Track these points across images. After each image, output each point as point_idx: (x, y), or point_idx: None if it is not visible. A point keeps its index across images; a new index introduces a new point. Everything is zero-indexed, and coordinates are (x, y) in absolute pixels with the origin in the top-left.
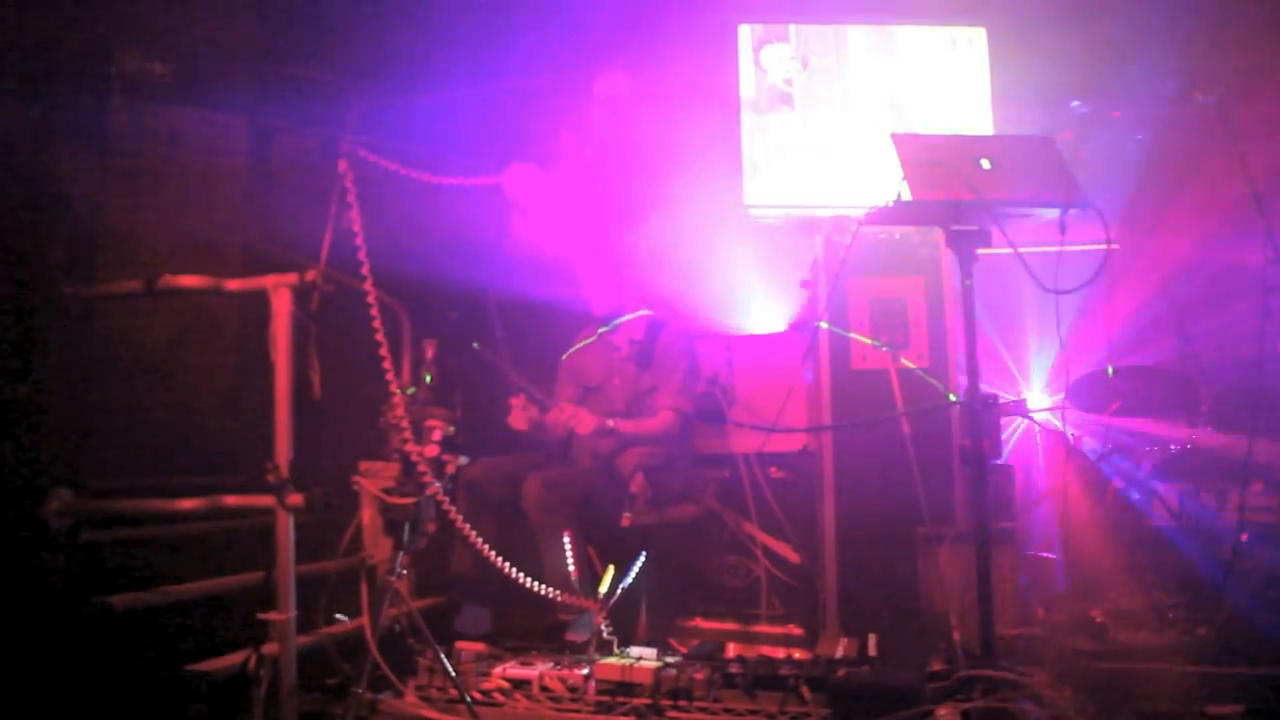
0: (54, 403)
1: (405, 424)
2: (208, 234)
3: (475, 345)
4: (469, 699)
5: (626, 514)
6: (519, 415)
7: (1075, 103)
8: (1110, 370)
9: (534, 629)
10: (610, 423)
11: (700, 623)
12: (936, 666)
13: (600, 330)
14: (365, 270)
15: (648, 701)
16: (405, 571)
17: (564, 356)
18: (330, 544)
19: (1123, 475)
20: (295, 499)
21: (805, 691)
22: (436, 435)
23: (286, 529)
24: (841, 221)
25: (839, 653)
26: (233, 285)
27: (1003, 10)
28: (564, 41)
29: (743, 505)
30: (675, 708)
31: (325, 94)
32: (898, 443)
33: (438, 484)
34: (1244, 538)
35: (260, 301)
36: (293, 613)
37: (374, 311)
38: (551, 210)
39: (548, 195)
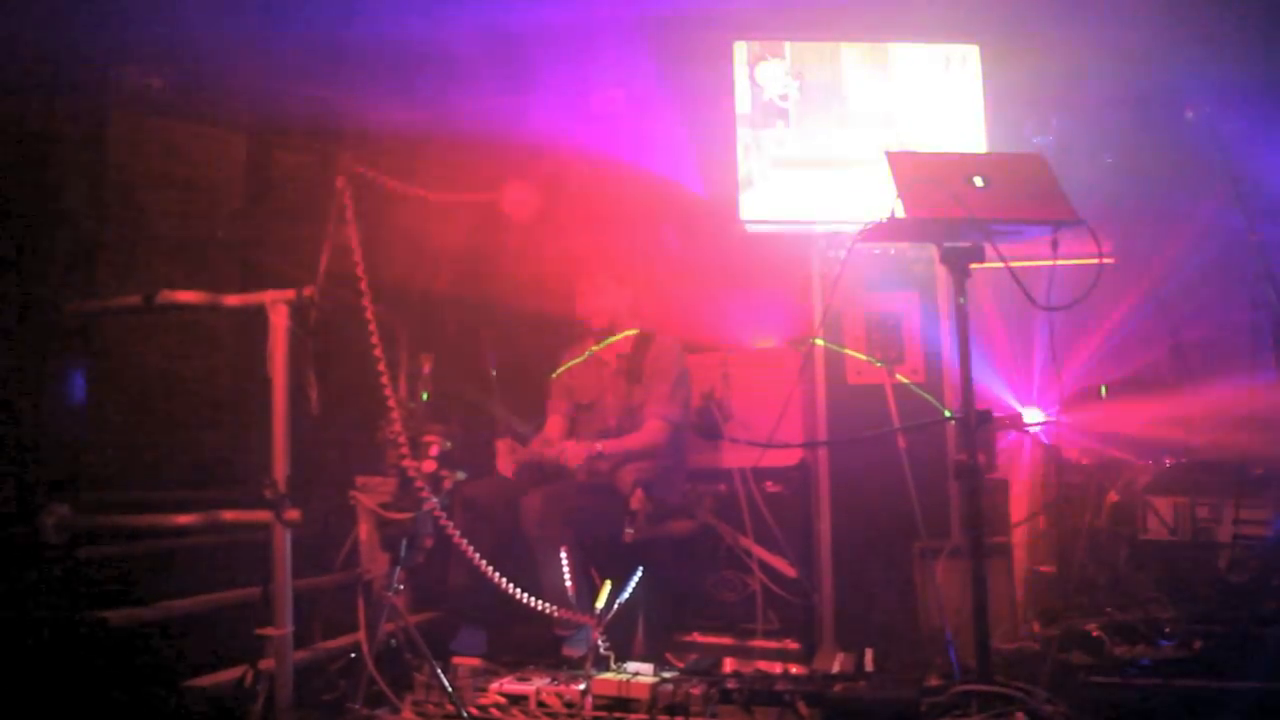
0: (51, 417)
1: (403, 439)
2: (206, 249)
3: (493, 373)
4: (465, 714)
5: (628, 530)
6: (506, 460)
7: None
8: (1104, 391)
9: (531, 644)
10: (598, 446)
11: (697, 638)
12: (933, 681)
13: (592, 349)
14: (363, 286)
15: (645, 717)
16: (402, 587)
17: (554, 375)
18: (327, 559)
19: (1118, 488)
20: (292, 514)
21: (802, 707)
22: (434, 450)
23: (283, 544)
24: (837, 237)
25: (835, 667)
26: (231, 301)
27: (996, 28)
28: (560, 58)
29: (739, 520)
30: None
31: (323, 109)
32: (893, 457)
33: (435, 499)
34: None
35: (258, 317)
36: (290, 628)
37: (372, 327)
38: (548, 227)
39: (544, 212)
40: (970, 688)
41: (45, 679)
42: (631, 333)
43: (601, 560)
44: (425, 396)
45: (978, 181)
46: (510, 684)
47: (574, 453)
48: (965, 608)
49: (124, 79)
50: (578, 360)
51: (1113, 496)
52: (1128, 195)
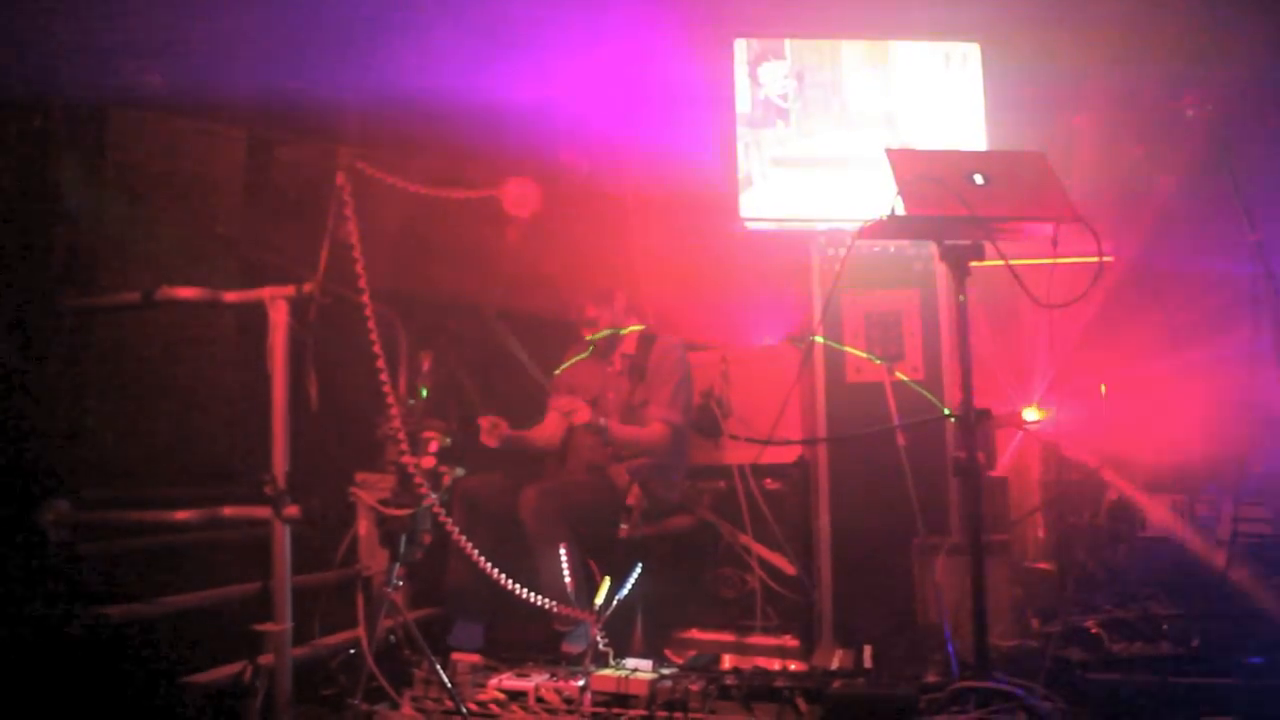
0: (51, 413)
1: (402, 435)
2: (206, 245)
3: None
4: (465, 710)
5: (624, 526)
6: (488, 435)
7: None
8: (1103, 390)
9: (530, 640)
10: (602, 420)
11: (696, 634)
12: (931, 678)
13: (591, 345)
14: (362, 282)
15: (643, 713)
16: (401, 583)
17: (557, 372)
18: (327, 555)
19: (1117, 487)
20: (292, 510)
21: (800, 703)
22: (433, 447)
23: (283, 540)
24: (836, 235)
25: (834, 664)
26: (230, 297)
27: (996, 26)
28: (560, 55)
29: (738, 517)
30: (671, 719)
31: (323, 106)
32: (893, 455)
33: (434, 495)
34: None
35: (258, 313)
36: (289, 624)
37: (371, 324)
38: (548, 224)
39: (544, 209)
40: (969, 684)
41: (45, 675)
42: (636, 329)
43: (600, 557)
44: (424, 393)
45: (978, 179)
46: (509, 680)
47: (581, 409)
48: (964, 604)
49: (123, 75)
50: (581, 357)
51: (1112, 494)
52: (1128, 193)
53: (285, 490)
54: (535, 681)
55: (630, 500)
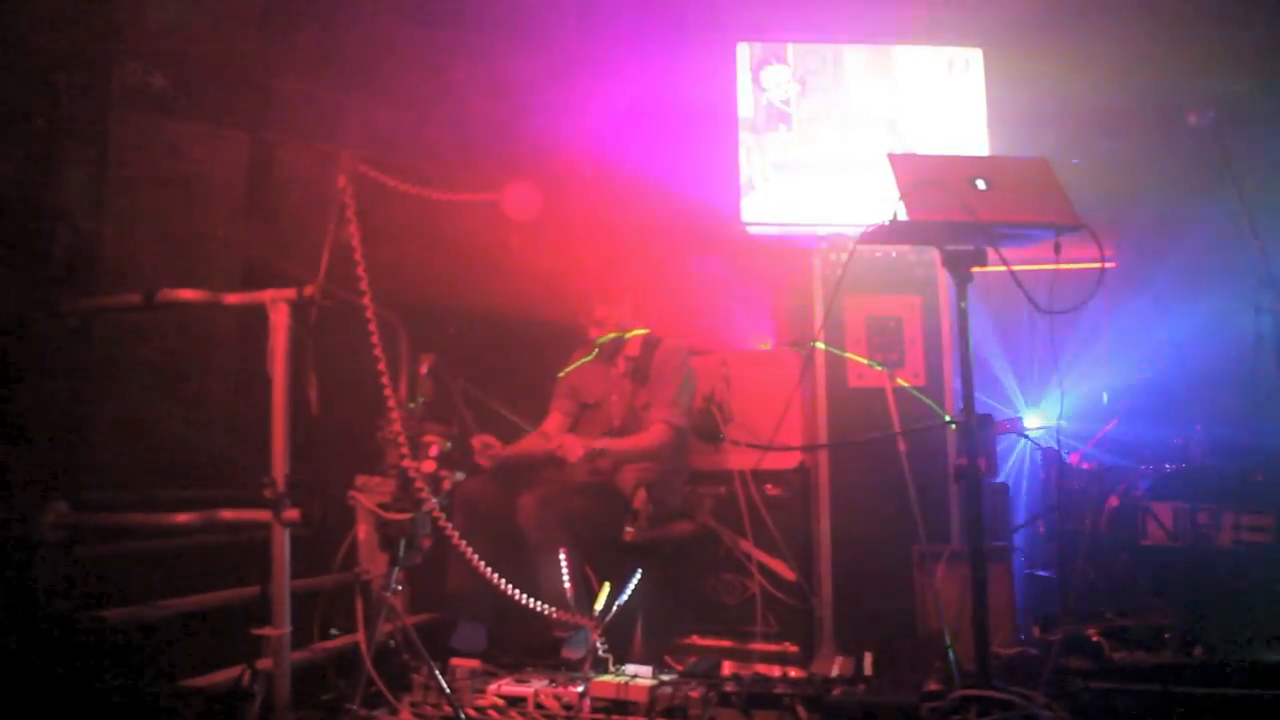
0: (50, 415)
1: (402, 439)
2: (207, 248)
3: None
4: (463, 716)
5: (629, 529)
6: (480, 456)
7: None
8: (1105, 397)
9: (529, 646)
10: (600, 444)
11: (696, 640)
12: (932, 686)
13: (596, 348)
14: (364, 285)
15: (643, 719)
16: (400, 587)
17: (560, 375)
18: (326, 559)
19: (1118, 494)
20: (291, 514)
21: (800, 710)
22: (433, 451)
23: (282, 544)
24: (838, 240)
25: (834, 671)
26: (231, 299)
27: (999, 32)
28: (563, 58)
29: (738, 523)
30: None
31: (325, 108)
32: (894, 461)
33: (434, 500)
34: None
35: (258, 316)
36: (288, 628)
37: (372, 327)
38: (549, 227)
39: (546, 212)
40: (969, 693)
41: (42, 678)
42: (640, 333)
43: (600, 562)
44: (421, 400)
45: (980, 184)
46: (508, 685)
47: (571, 446)
48: (965, 612)
49: (125, 77)
50: (586, 359)
51: (1113, 501)
52: (1130, 200)
53: (285, 493)
54: (534, 687)
55: (637, 504)
